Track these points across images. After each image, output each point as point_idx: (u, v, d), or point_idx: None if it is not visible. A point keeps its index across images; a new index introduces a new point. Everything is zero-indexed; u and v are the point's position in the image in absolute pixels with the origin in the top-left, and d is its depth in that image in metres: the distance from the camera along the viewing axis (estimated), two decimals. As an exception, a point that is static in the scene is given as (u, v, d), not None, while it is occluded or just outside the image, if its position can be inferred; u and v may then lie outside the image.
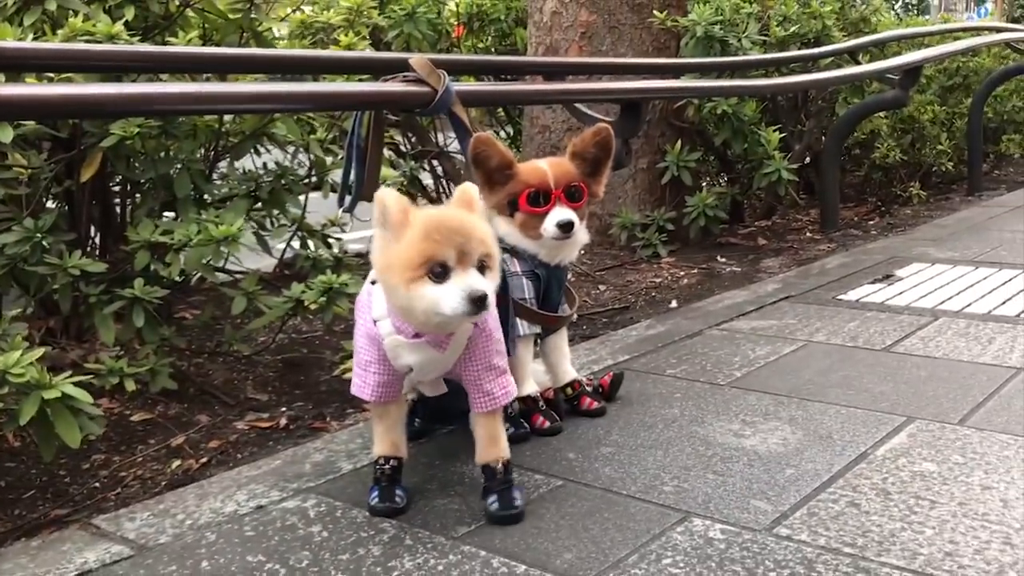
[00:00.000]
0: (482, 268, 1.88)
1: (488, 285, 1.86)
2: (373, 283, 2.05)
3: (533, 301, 2.54)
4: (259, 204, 3.33)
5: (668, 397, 2.85)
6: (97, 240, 3.51)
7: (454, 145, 6.22)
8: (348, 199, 2.64)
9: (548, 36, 5.35)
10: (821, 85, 5.31)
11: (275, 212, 3.41)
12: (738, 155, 5.45)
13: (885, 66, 5.21)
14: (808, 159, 6.37)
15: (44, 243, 2.89)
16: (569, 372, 2.76)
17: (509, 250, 2.50)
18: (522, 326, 2.52)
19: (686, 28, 5.01)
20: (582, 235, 2.58)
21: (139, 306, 2.82)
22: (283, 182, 3.31)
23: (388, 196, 1.87)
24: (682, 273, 4.80)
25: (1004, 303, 3.79)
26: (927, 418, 2.58)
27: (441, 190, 6.48)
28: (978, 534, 1.92)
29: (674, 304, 4.20)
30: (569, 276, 2.74)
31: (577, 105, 3.42)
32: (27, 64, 2.27)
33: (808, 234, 5.78)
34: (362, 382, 2.09)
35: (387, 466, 2.13)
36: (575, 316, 2.81)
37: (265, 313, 3.07)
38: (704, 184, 5.98)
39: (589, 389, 2.77)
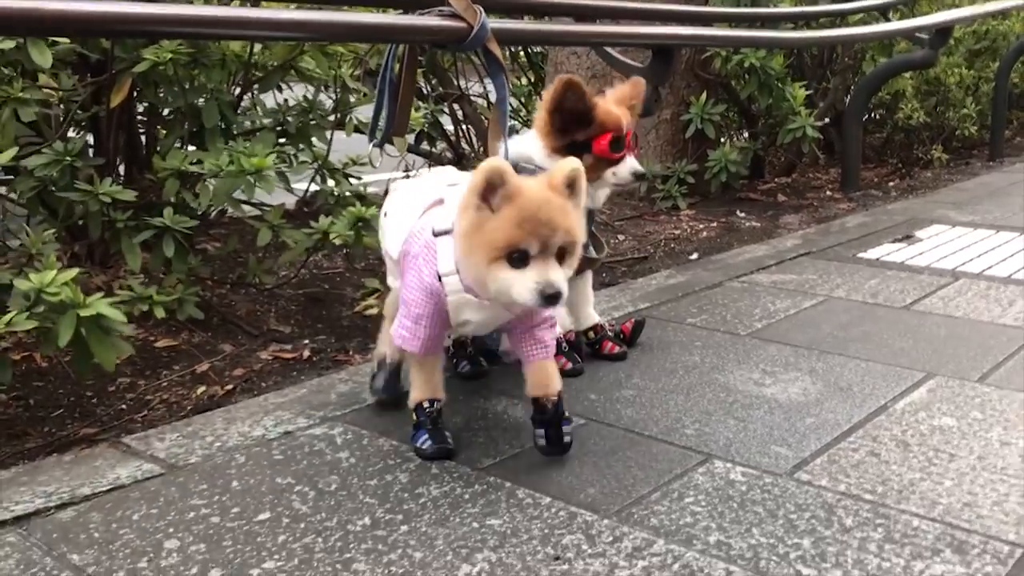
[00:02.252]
0: (562, 255, 1.84)
1: (564, 275, 1.84)
2: (436, 235, 1.99)
3: None
4: (286, 138, 3.33)
5: (688, 345, 2.87)
6: (121, 169, 3.52)
7: (474, 89, 6.20)
8: (379, 134, 2.63)
9: (576, -19, 5.27)
10: (852, 41, 5.24)
11: (300, 146, 3.41)
12: (763, 110, 5.40)
13: (916, 24, 5.15)
14: (829, 118, 6.31)
15: (74, 166, 2.90)
16: (592, 316, 2.78)
17: None
18: None
19: (718, -23, 4.95)
20: None
21: (169, 235, 2.83)
22: (310, 117, 3.30)
23: (506, 171, 1.81)
24: (701, 226, 4.80)
25: (1025, 267, 3.79)
26: (947, 375, 2.60)
27: (461, 134, 6.46)
28: (996, 487, 1.95)
29: (694, 256, 4.21)
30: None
31: (608, 49, 3.39)
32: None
33: (828, 192, 5.76)
34: (411, 335, 2.05)
35: (431, 408, 2.11)
36: (603, 259, 2.83)
37: (291, 247, 3.08)
38: (724, 138, 5.95)
39: (611, 334, 2.79)
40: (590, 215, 2.63)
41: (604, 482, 1.97)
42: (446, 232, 1.96)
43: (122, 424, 2.48)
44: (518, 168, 2.50)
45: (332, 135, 3.81)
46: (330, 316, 3.36)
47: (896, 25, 5.08)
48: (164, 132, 3.48)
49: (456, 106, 6.22)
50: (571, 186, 1.89)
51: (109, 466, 2.06)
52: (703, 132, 5.11)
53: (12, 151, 2.35)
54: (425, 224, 2.03)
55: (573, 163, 1.92)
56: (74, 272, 2.19)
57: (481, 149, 6.40)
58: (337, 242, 3.07)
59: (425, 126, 5.62)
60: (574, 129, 2.41)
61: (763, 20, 4.80)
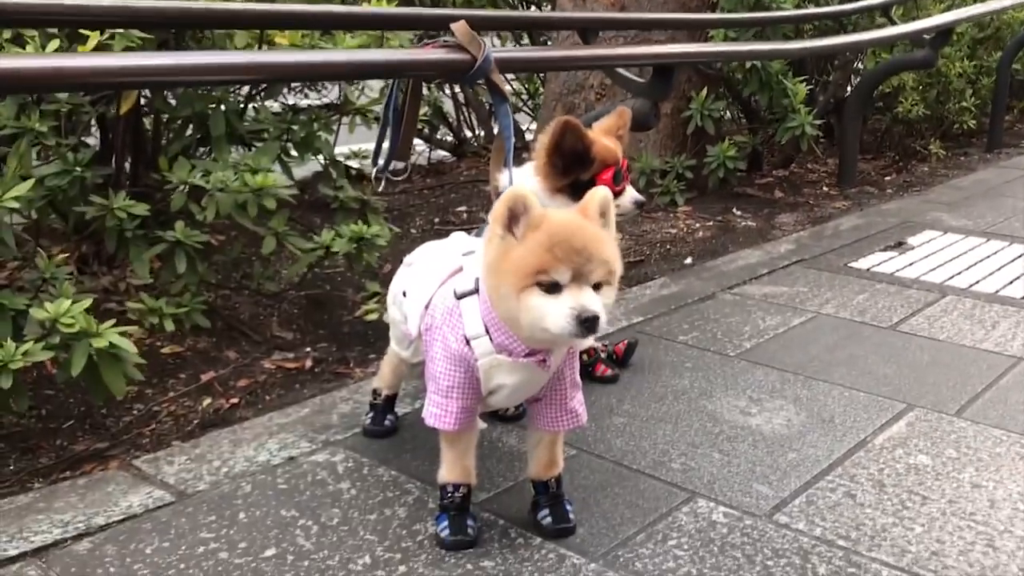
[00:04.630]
0: (598, 287, 1.75)
1: (600, 303, 1.73)
2: (459, 297, 1.90)
3: None
4: (292, 146, 3.39)
5: (679, 366, 2.96)
6: (127, 166, 3.58)
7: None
8: (381, 160, 2.70)
9: (581, -24, 5.28)
10: (854, 48, 5.27)
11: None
12: (764, 106, 5.44)
13: (918, 27, 5.17)
14: (830, 107, 6.34)
15: (83, 177, 2.96)
16: (586, 338, 2.86)
17: None
18: None
19: (721, -23, 4.96)
20: None
21: (181, 250, 2.89)
22: (315, 127, 3.36)
23: (528, 198, 1.73)
24: (698, 225, 4.87)
25: (1011, 283, 3.87)
26: (926, 406, 2.70)
27: (463, 118, 6.51)
28: (964, 534, 2.06)
29: (688, 260, 4.29)
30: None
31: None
32: (83, 20, 2.31)
33: (824, 188, 5.82)
34: (442, 411, 1.93)
35: (457, 494, 2.00)
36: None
37: (297, 260, 3.16)
38: (726, 130, 5.98)
39: (603, 355, 2.88)
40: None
41: (592, 521, 2.08)
42: (470, 293, 1.89)
43: (131, 438, 2.58)
44: None
45: (338, 129, 3.87)
46: (331, 320, 3.45)
47: (899, 29, 5.10)
48: (170, 131, 3.54)
49: (457, 89, 6.26)
50: (603, 215, 1.80)
51: (121, 492, 2.16)
52: (703, 127, 5.15)
53: (29, 183, 2.41)
54: (445, 293, 1.96)
55: (603, 191, 1.82)
56: (88, 301, 2.27)
57: (482, 135, 6.45)
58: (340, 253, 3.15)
59: (427, 112, 5.67)
60: (575, 169, 2.45)
61: (765, 24, 4.82)
